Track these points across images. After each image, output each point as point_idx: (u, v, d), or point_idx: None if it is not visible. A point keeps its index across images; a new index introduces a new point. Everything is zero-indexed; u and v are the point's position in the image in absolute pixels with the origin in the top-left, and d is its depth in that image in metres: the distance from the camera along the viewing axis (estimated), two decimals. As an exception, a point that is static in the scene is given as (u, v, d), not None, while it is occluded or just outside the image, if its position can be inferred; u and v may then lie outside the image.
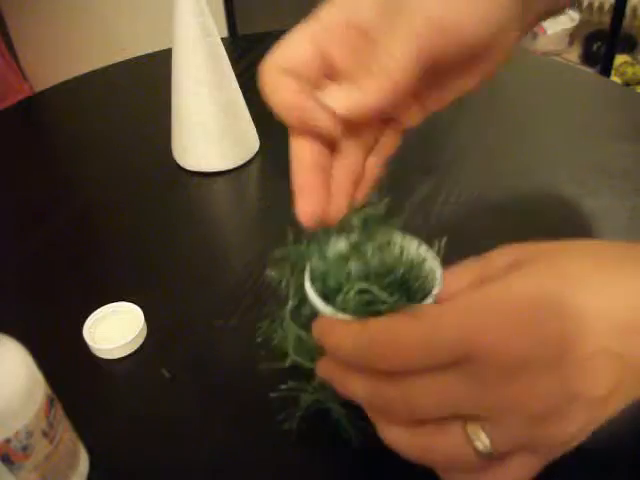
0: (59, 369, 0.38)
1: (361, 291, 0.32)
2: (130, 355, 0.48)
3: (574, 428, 0.28)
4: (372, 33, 0.32)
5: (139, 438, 0.43)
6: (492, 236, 0.59)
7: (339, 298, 0.32)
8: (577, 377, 0.27)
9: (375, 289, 0.32)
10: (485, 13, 0.31)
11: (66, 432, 0.37)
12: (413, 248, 0.35)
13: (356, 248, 0.35)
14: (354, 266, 0.34)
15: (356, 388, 0.30)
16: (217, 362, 0.47)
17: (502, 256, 0.32)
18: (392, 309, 0.31)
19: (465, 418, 0.29)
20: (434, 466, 0.31)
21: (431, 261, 0.34)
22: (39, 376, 0.35)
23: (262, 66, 0.32)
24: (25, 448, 0.34)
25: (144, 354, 0.48)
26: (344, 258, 0.35)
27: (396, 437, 0.30)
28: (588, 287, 0.28)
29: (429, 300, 0.32)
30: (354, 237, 0.35)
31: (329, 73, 0.33)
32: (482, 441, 0.28)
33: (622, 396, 0.29)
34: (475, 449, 0.28)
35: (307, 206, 0.33)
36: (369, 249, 0.35)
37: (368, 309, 0.32)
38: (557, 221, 0.58)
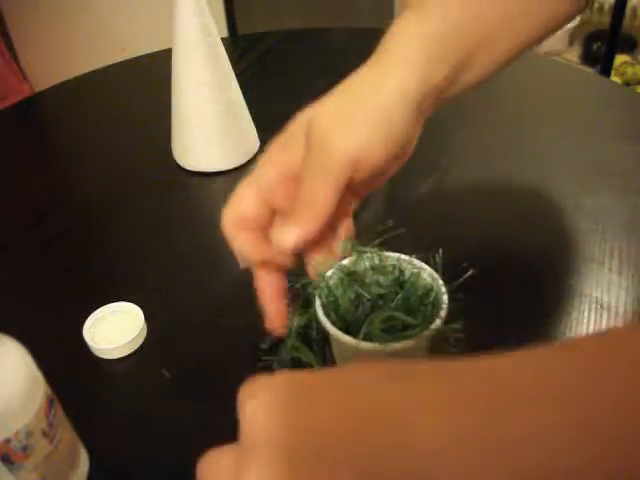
0: (59, 369, 0.38)
1: (385, 319, 0.36)
2: (130, 355, 0.48)
3: None
4: (299, 172, 0.38)
5: (139, 438, 0.43)
6: (493, 236, 0.60)
7: (364, 329, 0.35)
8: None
9: (400, 315, 0.34)
10: (386, 139, 0.37)
11: (66, 432, 0.37)
12: (410, 268, 0.39)
13: (356, 278, 0.39)
14: (362, 295, 0.38)
15: None
16: (217, 362, 0.47)
17: None
18: (417, 330, 0.34)
19: None
20: None
21: (430, 278, 0.37)
22: (39, 376, 0.35)
23: (222, 219, 0.41)
24: (25, 448, 0.34)
25: (144, 354, 0.48)
26: (348, 288, 0.39)
27: None
28: None
29: (438, 321, 0.35)
30: (349, 267, 0.40)
31: (274, 212, 0.41)
32: None
33: None
34: None
35: (275, 323, 0.41)
36: (369, 277, 0.39)
37: (393, 335, 0.35)
38: (557, 221, 0.58)
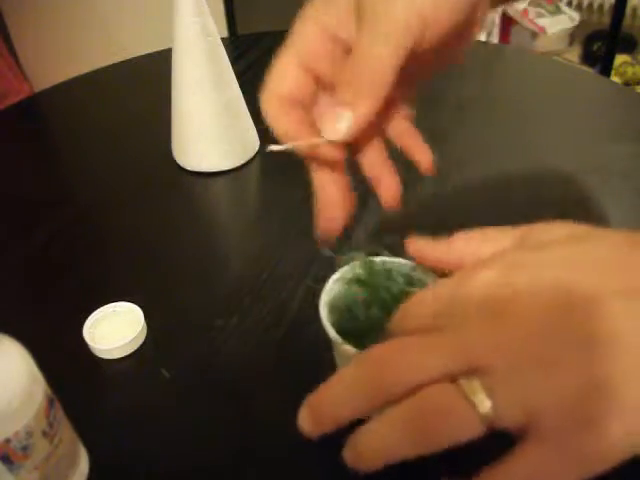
0: (59, 369, 0.38)
1: None
2: (130, 355, 0.48)
3: (614, 431, 0.23)
4: (348, 39, 0.33)
5: (139, 438, 0.43)
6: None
7: (372, 336, 0.34)
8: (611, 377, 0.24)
9: None
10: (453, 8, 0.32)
11: (66, 432, 0.37)
12: (407, 270, 0.39)
13: (361, 284, 0.39)
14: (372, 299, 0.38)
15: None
16: (217, 362, 0.47)
17: (548, 230, 0.33)
18: None
19: (459, 377, 0.26)
20: (434, 442, 0.26)
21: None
22: (39, 376, 0.35)
23: (262, 97, 0.34)
24: (25, 448, 0.34)
25: (144, 354, 0.48)
26: (357, 291, 0.38)
27: (386, 420, 0.27)
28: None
29: None
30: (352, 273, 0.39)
31: (320, 87, 0.35)
32: (481, 401, 0.25)
33: None
34: (476, 409, 0.25)
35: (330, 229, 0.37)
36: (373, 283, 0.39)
37: None
38: (557, 221, 0.58)
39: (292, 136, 0.33)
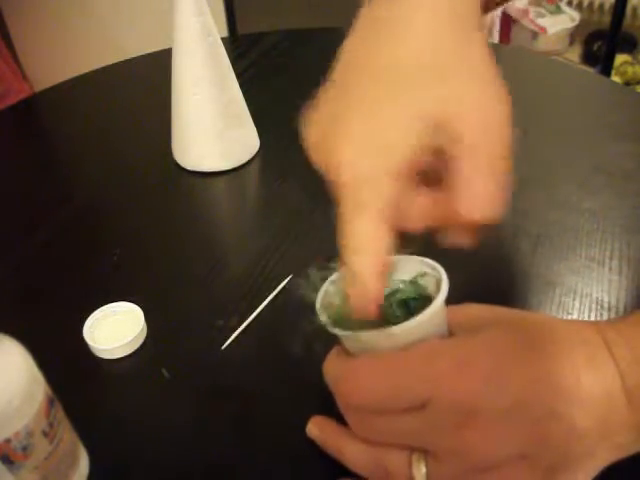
0: (59, 369, 0.38)
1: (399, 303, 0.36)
2: (130, 355, 0.48)
3: None
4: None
5: (139, 438, 0.43)
6: (492, 236, 0.59)
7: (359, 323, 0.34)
8: (529, 437, 0.29)
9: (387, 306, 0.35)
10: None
11: (66, 432, 0.37)
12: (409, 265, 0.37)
13: None
14: None
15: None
16: (217, 362, 0.47)
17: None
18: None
19: (415, 448, 0.32)
20: None
21: (432, 272, 0.36)
22: (39, 376, 0.35)
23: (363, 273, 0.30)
24: (25, 448, 0.34)
25: (144, 354, 0.48)
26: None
27: (353, 450, 0.35)
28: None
29: (428, 311, 0.34)
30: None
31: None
32: (419, 470, 0.31)
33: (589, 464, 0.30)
34: (412, 476, 0.31)
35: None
36: None
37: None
38: (557, 221, 0.58)
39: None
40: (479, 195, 0.32)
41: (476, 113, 0.33)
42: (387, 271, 0.31)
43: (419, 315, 0.33)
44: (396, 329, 0.33)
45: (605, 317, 0.48)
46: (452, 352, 0.31)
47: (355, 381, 0.32)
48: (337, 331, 0.35)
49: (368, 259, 0.30)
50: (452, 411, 0.29)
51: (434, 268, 0.36)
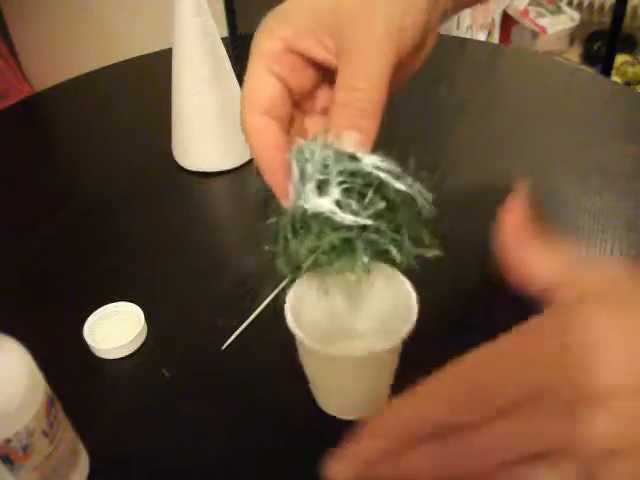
0: (59, 369, 0.38)
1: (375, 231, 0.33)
2: (130, 355, 0.48)
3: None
4: (305, 51, 0.35)
5: (139, 438, 0.43)
6: (492, 236, 0.59)
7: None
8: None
9: (384, 226, 0.33)
10: (413, 20, 0.34)
11: (66, 432, 0.37)
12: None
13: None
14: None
15: (420, 459, 0.25)
16: (217, 362, 0.47)
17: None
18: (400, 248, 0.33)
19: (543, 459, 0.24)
20: None
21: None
22: (39, 376, 0.35)
23: (242, 110, 0.35)
24: (25, 448, 0.34)
25: (144, 354, 0.48)
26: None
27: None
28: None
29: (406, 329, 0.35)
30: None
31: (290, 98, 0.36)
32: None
33: None
34: None
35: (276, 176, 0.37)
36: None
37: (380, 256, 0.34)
38: (558, 221, 0.58)
39: (267, 162, 0.36)
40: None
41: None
42: (271, 120, 0.35)
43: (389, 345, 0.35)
44: (363, 352, 0.35)
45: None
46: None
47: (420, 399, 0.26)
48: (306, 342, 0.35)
49: (248, 104, 0.35)
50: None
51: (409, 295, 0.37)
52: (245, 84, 0.36)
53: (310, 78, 0.37)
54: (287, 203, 0.35)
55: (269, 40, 0.35)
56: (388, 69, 0.33)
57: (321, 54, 0.35)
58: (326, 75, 0.37)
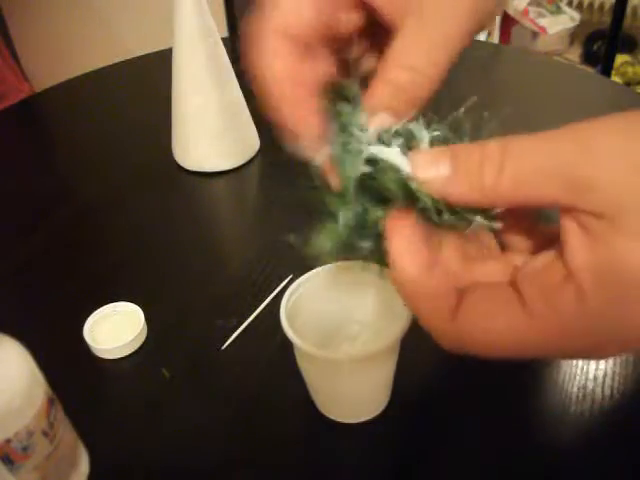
0: (59, 369, 0.38)
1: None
2: (130, 355, 0.48)
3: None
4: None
5: (139, 438, 0.43)
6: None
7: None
8: None
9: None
10: None
11: (66, 432, 0.37)
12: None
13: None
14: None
15: None
16: (217, 362, 0.47)
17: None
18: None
19: None
20: None
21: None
22: (39, 376, 0.35)
23: (255, 32, 0.28)
24: (25, 448, 0.34)
25: (144, 354, 0.48)
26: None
27: None
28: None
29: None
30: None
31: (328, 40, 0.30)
32: None
33: None
34: None
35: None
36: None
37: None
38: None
39: (282, 92, 0.29)
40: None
41: None
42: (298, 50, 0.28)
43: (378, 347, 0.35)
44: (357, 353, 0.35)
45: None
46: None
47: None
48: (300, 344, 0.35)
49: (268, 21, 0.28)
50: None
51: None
52: (276, 3, 0.29)
53: (352, 24, 0.30)
54: (315, 151, 0.28)
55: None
56: (460, 45, 0.29)
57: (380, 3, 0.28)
58: (370, 27, 0.31)
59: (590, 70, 1.95)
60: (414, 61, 0.28)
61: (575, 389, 0.43)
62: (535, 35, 2.10)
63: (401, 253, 0.25)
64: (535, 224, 0.29)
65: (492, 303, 0.25)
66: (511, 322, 0.24)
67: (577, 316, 0.22)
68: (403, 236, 0.25)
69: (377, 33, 0.31)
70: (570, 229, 0.24)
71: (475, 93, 0.41)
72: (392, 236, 0.25)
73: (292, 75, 0.29)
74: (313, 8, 0.28)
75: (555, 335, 0.23)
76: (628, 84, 1.95)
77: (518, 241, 0.29)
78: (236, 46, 0.94)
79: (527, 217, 0.29)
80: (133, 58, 0.93)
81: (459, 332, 0.25)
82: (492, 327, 0.24)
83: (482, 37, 1.80)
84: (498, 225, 0.26)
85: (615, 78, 1.92)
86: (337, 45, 0.31)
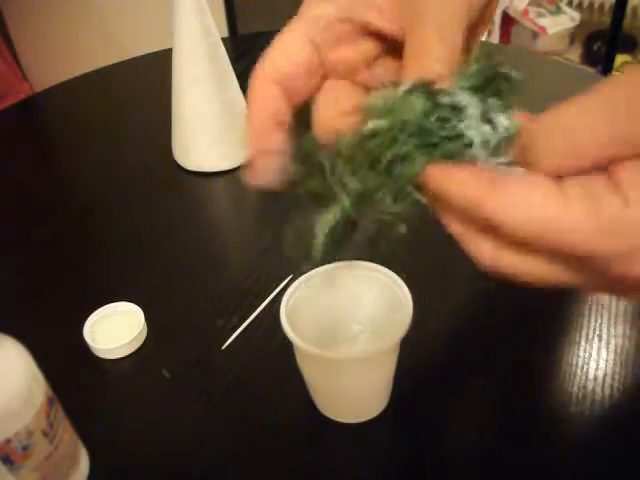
0: (59, 369, 0.38)
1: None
2: (130, 355, 0.48)
3: None
4: (360, 20, 0.30)
5: (139, 438, 0.43)
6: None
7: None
8: None
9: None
10: None
11: (66, 432, 0.37)
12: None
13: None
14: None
15: None
16: (217, 362, 0.47)
17: None
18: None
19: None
20: None
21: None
22: (39, 376, 0.35)
23: (255, 73, 0.31)
24: (25, 448, 0.34)
25: (144, 354, 0.48)
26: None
27: None
28: None
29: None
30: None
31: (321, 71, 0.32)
32: None
33: None
34: None
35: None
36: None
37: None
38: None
39: (258, 124, 0.31)
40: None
41: None
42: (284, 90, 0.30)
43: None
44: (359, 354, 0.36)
45: (605, 316, 0.48)
46: None
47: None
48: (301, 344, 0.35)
49: (268, 62, 0.30)
50: None
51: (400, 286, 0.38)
52: (272, 46, 0.31)
53: (364, 50, 0.32)
54: (252, 179, 0.31)
55: (319, 6, 0.31)
56: (462, 33, 0.30)
57: (387, 25, 0.30)
58: (386, 46, 0.32)
59: (590, 70, 1.95)
60: (435, 54, 0.29)
61: (575, 389, 0.43)
62: (535, 35, 2.10)
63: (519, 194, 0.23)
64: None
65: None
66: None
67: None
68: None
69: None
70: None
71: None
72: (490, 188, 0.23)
73: (268, 115, 0.31)
74: (304, 49, 0.30)
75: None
76: (628, 84, 1.95)
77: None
78: (236, 46, 0.94)
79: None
80: (133, 58, 0.93)
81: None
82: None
83: (482, 37, 1.79)
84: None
85: (615, 78, 1.92)
86: (357, 74, 0.32)
